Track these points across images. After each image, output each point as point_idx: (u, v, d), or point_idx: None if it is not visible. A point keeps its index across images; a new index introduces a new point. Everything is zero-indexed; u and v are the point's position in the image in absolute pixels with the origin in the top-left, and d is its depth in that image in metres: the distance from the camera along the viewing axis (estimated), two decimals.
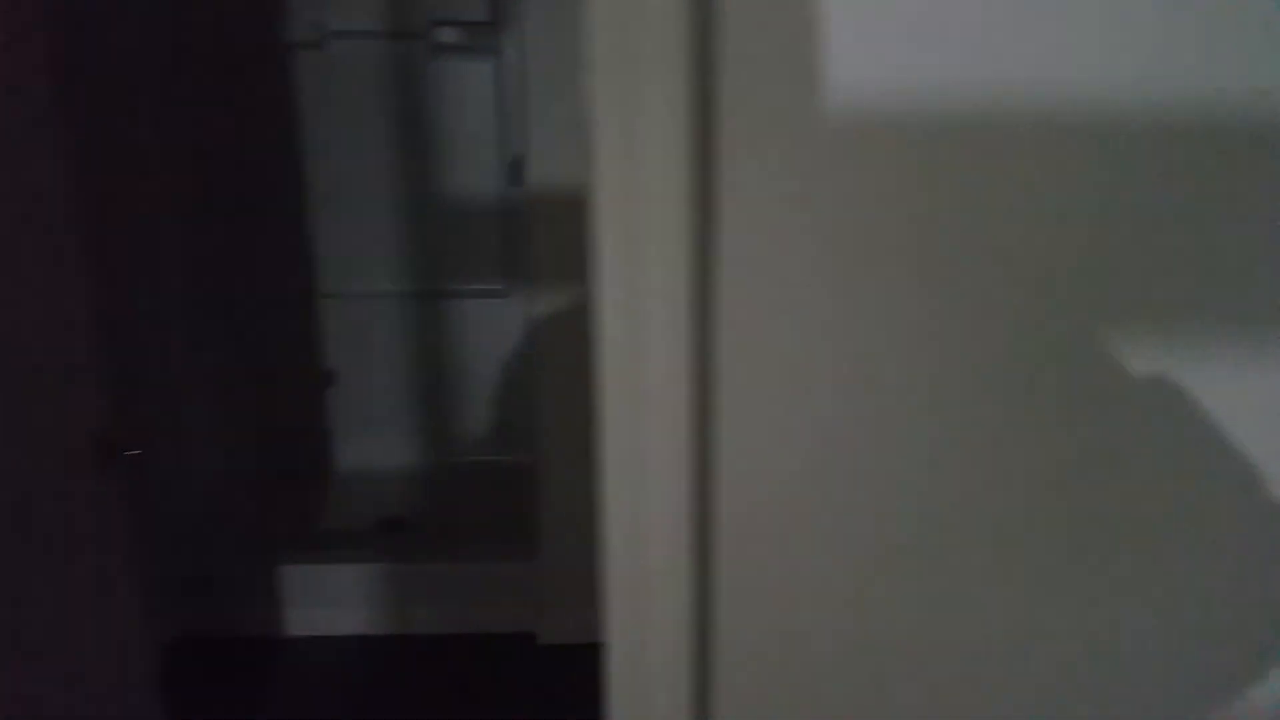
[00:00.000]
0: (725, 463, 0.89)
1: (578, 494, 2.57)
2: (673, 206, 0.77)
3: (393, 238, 3.06)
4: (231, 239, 2.89)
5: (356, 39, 2.86)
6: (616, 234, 0.78)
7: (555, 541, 2.64)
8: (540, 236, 2.42)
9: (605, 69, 0.75)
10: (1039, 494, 0.95)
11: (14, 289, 1.32)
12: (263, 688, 2.56)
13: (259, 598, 2.72)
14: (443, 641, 2.71)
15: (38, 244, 1.38)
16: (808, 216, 0.84)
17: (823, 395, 0.91)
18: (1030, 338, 0.90)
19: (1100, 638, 1.01)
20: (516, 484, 3.02)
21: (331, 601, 2.74)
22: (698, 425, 0.85)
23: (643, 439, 0.85)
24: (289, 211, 3.00)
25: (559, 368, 2.50)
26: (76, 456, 1.46)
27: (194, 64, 2.64)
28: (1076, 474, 0.94)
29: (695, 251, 0.79)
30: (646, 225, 0.77)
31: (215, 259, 2.79)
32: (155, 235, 2.46)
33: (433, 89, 2.91)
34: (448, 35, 2.84)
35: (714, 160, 0.79)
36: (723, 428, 0.87)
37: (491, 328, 3.13)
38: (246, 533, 2.76)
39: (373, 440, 3.25)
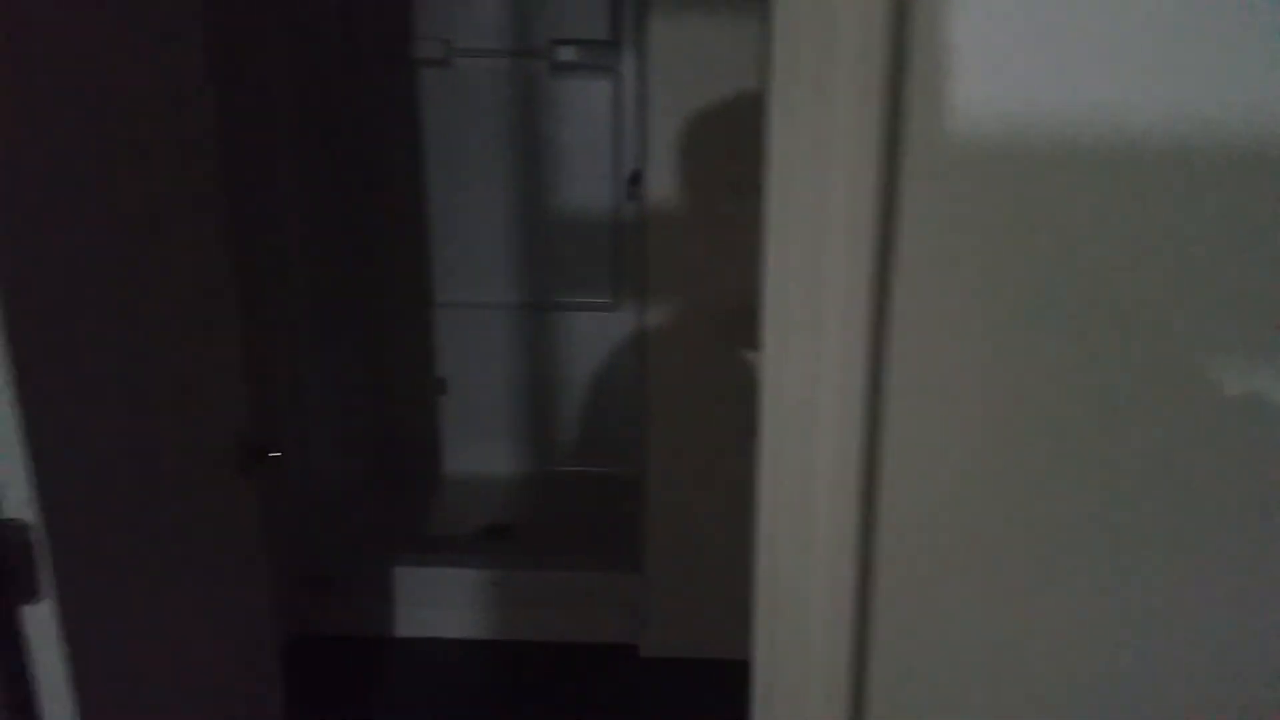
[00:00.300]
0: (889, 476, 0.89)
1: (684, 507, 2.59)
2: (856, 223, 0.78)
3: (506, 250, 3.12)
4: (355, 248, 2.99)
5: (480, 57, 2.94)
6: (795, 251, 0.79)
7: (661, 553, 2.65)
8: (656, 250, 2.45)
9: (793, 89, 0.76)
10: (1178, 510, 0.94)
11: (171, 299, 1.38)
12: (369, 689, 2.62)
13: (371, 599, 2.78)
14: (545, 649, 2.73)
15: (193, 256, 1.45)
16: (975, 240, 0.85)
17: (980, 413, 0.91)
18: (1166, 357, 0.89)
19: (1241, 640, 0.99)
20: (622, 495, 3.04)
21: (438, 605, 2.79)
22: (866, 439, 0.85)
23: (811, 452, 0.85)
24: (410, 222, 3.09)
25: (668, 381, 2.52)
26: (223, 459, 1.52)
27: (327, 79, 2.73)
28: (1208, 488, 0.93)
29: (874, 269, 0.80)
30: (829, 241, 0.78)
31: (339, 267, 2.87)
32: (285, 243, 2.55)
33: (551, 106, 2.98)
34: (568, 54, 2.90)
35: (897, 182, 0.80)
36: (888, 442, 0.88)
37: (599, 340, 3.17)
38: (361, 534, 2.82)
39: (481, 447, 3.31)
